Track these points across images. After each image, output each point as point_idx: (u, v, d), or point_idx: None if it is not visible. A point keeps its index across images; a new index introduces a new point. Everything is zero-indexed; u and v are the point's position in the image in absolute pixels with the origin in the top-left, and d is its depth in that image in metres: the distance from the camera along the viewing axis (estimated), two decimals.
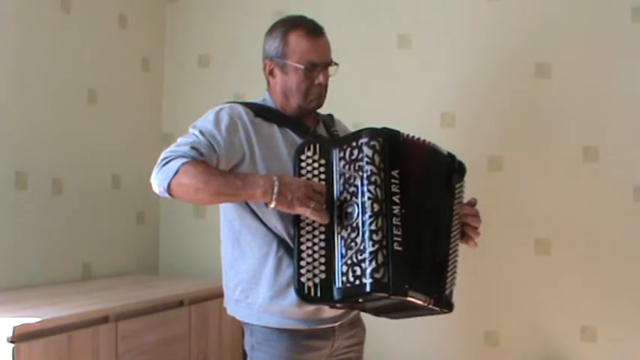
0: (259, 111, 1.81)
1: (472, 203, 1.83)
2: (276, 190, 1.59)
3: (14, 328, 1.74)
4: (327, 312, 1.76)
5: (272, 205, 1.61)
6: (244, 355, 1.86)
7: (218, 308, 2.62)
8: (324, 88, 1.82)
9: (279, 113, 1.83)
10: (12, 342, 1.73)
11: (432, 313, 1.69)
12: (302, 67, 1.77)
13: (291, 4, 2.96)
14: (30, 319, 1.82)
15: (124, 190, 3.00)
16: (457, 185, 1.78)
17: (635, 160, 2.63)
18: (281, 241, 1.73)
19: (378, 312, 1.78)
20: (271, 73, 1.83)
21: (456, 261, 1.73)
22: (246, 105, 1.82)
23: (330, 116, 1.99)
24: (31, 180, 2.54)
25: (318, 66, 1.79)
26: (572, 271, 2.68)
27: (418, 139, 1.73)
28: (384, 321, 2.74)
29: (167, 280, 2.91)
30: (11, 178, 2.46)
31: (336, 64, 1.82)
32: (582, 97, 2.69)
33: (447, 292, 1.69)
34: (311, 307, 1.72)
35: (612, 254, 2.64)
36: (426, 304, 1.62)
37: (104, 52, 2.91)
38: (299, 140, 1.78)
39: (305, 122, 1.85)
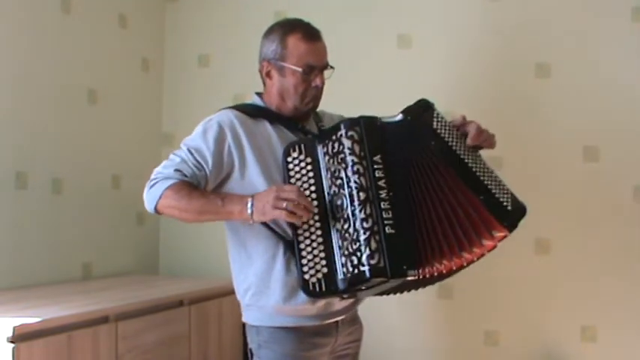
0: (250, 112, 1.83)
1: (462, 122, 1.84)
2: (249, 204, 1.65)
3: (14, 328, 1.73)
4: (337, 304, 1.79)
5: (251, 221, 1.67)
6: (245, 355, 1.87)
7: (218, 308, 2.62)
8: (320, 90, 1.84)
9: (269, 111, 1.85)
10: (12, 342, 1.73)
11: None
12: (300, 69, 1.79)
13: (291, 5, 2.97)
14: (30, 319, 1.82)
15: (124, 190, 3.00)
16: (437, 121, 1.77)
17: (635, 160, 2.63)
18: (287, 243, 1.74)
19: (387, 293, 1.78)
20: (268, 74, 1.85)
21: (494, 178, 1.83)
22: (237, 108, 1.84)
23: (315, 113, 1.98)
24: (31, 180, 2.54)
25: (316, 69, 1.81)
26: (572, 271, 2.67)
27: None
28: (383, 321, 2.76)
29: (167, 280, 2.91)
30: (11, 178, 2.46)
31: (332, 67, 1.84)
32: (582, 97, 2.69)
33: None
34: (322, 302, 1.76)
35: (612, 254, 2.63)
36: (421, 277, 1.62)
37: (104, 52, 2.90)
38: (291, 136, 1.81)
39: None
